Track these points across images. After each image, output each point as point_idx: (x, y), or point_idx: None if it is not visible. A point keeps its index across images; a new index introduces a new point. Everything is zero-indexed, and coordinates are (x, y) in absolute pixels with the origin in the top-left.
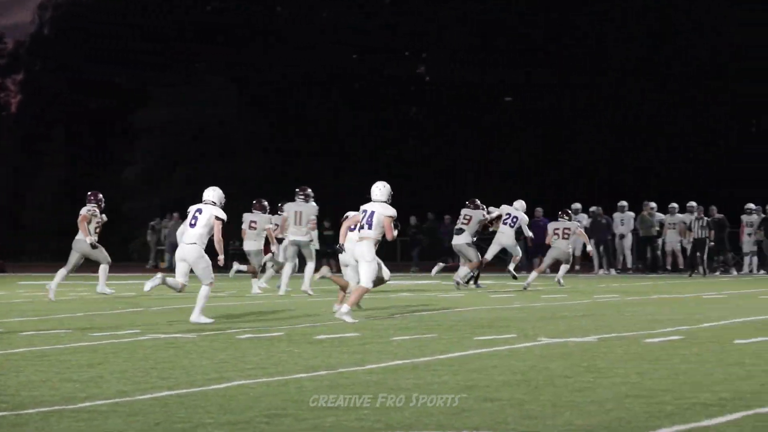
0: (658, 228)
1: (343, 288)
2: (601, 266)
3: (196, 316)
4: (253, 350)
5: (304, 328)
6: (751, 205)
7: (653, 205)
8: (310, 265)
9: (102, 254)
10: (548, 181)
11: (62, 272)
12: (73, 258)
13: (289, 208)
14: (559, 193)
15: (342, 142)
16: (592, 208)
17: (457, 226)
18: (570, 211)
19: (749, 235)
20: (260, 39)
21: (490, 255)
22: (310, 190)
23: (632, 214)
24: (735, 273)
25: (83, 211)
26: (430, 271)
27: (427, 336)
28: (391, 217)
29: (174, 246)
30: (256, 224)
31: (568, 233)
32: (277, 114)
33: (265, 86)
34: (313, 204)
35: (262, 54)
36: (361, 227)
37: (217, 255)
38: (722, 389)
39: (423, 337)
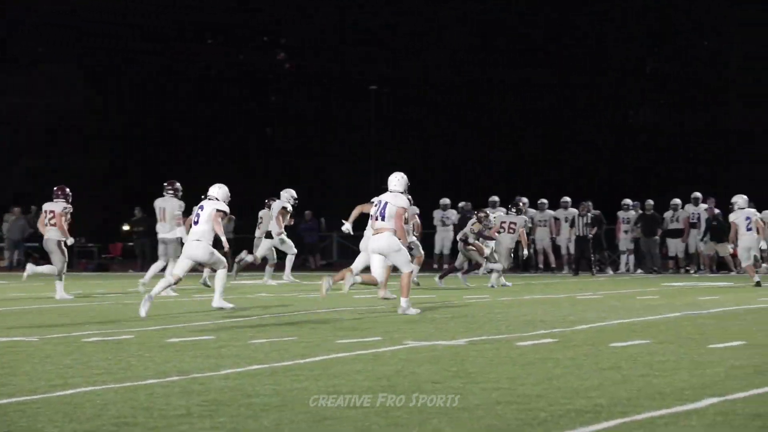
0: (530, 224)
1: (375, 284)
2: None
3: (217, 302)
4: (100, 354)
5: (155, 330)
6: (628, 201)
7: (524, 200)
8: (159, 264)
9: (63, 260)
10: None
11: (54, 272)
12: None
13: (156, 204)
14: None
15: (197, 134)
16: (461, 204)
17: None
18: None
19: (626, 232)
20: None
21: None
22: (178, 185)
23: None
24: (611, 272)
25: (55, 208)
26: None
27: (287, 339)
28: (402, 207)
29: (14, 243)
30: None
31: (514, 228)
32: (128, 105)
33: (116, 76)
34: (178, 200)
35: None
36: (376, 219)
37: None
38: (598, 395)
39: (282, 340)
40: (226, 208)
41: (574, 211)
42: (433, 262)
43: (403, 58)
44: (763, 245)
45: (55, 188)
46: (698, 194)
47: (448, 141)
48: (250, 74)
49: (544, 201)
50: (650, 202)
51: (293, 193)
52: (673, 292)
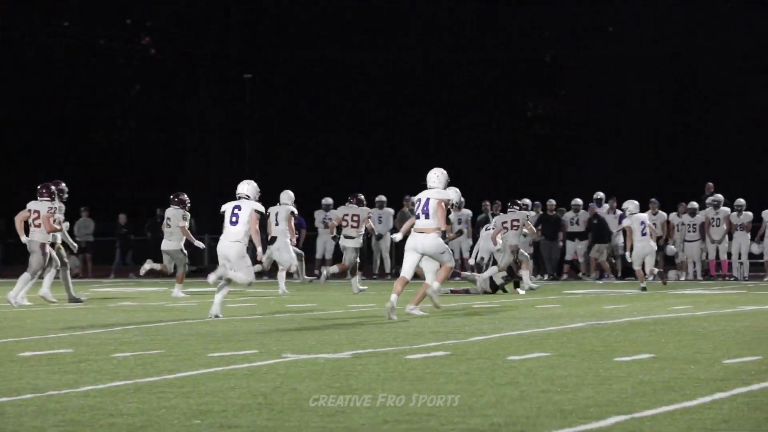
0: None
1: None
2: None
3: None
4: None
5: (6, 343)
6: (527, 201)
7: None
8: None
9: (41, 262)
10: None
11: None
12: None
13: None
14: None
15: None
16: (325, 200)
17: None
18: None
19: (524, 235)
20: None
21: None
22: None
23: (391, 210)
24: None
25: (39, 207)
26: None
27: (153, 352)
28: (444, 200)
29: None
30: (171, 221)
31: (517, 225)
32: None
33: None
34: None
35: None
36: (417, 217)
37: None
38: (494, 413)
39: (148, 353)
40: (263, 209)
41: (467, 212)
42: (314, 267)
43: (276, 44)
44: (672, 250)
45: (39, 186)
46: (601, 194)
47: (323, 137)
48: (109, 60)
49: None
50: (552, 201)
51: (292, 194)
52: (576, 300)
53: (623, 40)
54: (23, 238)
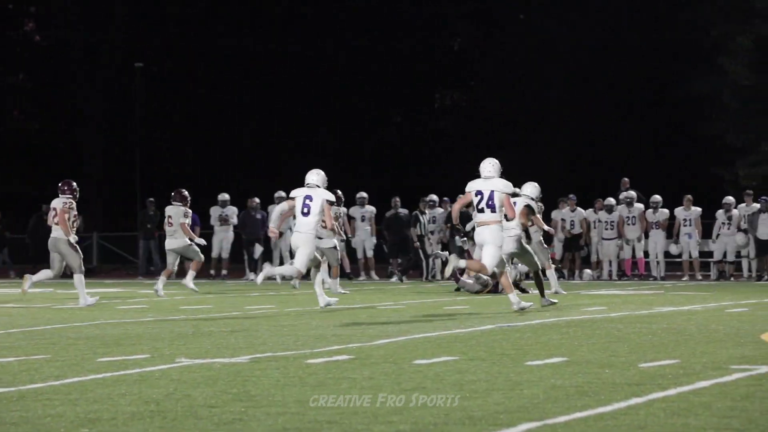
0: None
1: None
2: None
3: (322, 300)
4: None
5: None
6: (434, 197)
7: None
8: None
9: (78, 257)
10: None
11: (47, 273)
12: (57, 261)
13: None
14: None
15: None
16: (221, 196)
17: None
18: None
19: (435, 233)
20: None
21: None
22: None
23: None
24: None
25: (57, 203)
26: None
27: (38, 357)
28: (509, 194)
29: None
30: (173, 219)
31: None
32: None
33: None
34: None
35: None
36: (480, 210)
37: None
38: (400, 420)
39: (33, 358)
40: (333, 198)
41: (371, 209)
42: (209, 266)
43: (169, 32)
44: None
45: (60, 183)
46: (515, 190)
47: (226, 128)
48: None
49: (365, 195)
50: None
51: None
52: (486, 301)
53: (538, 29)
54: (71, 237)
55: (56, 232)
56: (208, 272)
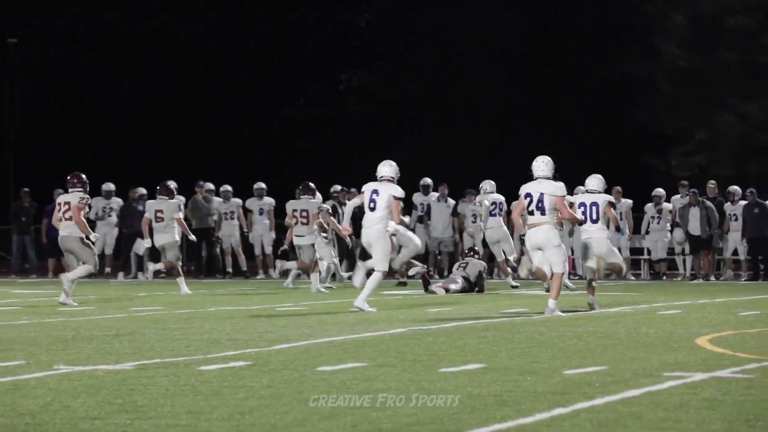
0: (216, 217)
1: (543, 278)
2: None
3: (360, 302)
4: None
5: None
6: (337, 188)
7: (210, 186)
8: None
9: (92, 254)
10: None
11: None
12: (73, 260)
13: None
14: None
15: None
16: (106, 186)
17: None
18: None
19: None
20: None
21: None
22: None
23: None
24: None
25: (69, 198)
26: None
27: None
28: (562, 196)
29: None
30: (164, 213)
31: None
32: None
33: None
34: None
35: None
36: (531, 213)
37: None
38: None
39: None
40: (402, 194)
41: (270, 200)
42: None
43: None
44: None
45: (69, 176)
46: (428, 180)
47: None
48: None
49: (263, 186)
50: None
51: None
52: (396, 302)
53: (454, 4)
54: (92, 236)
55: (67, 230)
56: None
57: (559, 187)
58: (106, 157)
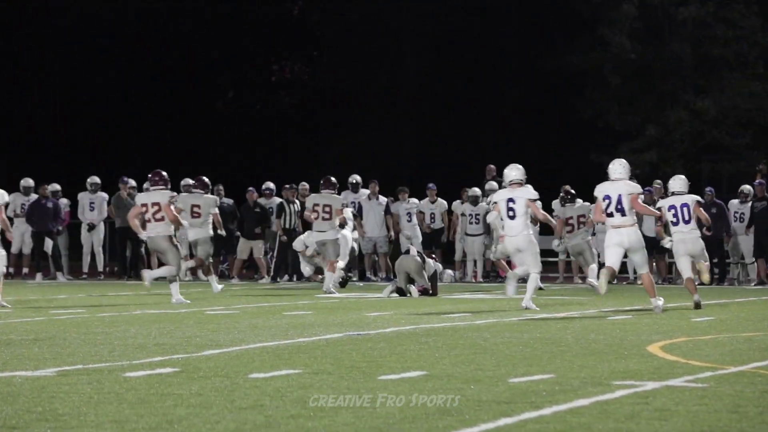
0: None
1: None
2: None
3: (526, 301)
4: None
5: None
6: (271, 185)
7: (132, 183)
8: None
9: (179, 256)
10: None
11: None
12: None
13: (184, 201)
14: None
15: None
16: (24, 182)
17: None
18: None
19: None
20: None
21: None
22: (207, 179)
23: (66, 200)
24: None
25: (160, 198)
26: None
27: None
28: (638, 194)
29: None
30: (201, 209)
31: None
32: None
33: None
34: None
35: None
36: (610, 215)
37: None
38: None
39: None
40: (536, 195)
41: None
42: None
43: None
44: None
45: (150, 174)
46: (357, 177)
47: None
48: None
49: (190, 182)
50: (305, 184)
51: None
52: (332, 306)
53: None
54: (142, 235)
55: (156, 230)
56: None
57: (636, 186)
58: (21, 151)
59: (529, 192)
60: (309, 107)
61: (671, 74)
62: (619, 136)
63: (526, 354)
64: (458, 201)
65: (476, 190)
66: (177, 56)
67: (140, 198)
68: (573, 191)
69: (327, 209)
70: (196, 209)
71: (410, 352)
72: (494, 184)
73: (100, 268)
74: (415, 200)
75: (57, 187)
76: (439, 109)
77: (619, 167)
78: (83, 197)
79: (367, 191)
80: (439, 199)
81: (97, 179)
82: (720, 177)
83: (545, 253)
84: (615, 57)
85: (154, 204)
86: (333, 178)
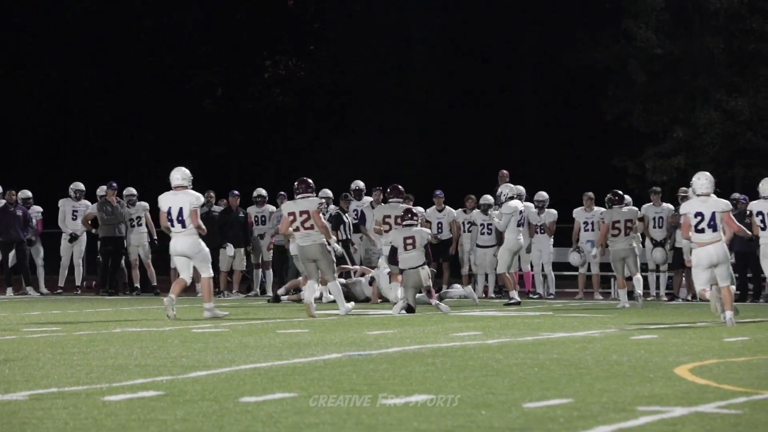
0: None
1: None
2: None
3: (729, 319)
4: None
5: None
6: (262, 191)
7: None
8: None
9: (333, 263)
10: None
11: (313, 284)
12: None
13: (287, 209)
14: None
15: None
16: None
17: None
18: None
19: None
20: None
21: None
22: (312, 182)
23: (39, 208)
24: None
25: (308, 206)
26: None
27: None
28: (729, 211)
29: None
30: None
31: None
32: None
33: None
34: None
35: None
36: (701, 231)
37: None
38: None
39: None
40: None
41: (144, 205)
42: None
43: None
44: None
45: (296, 183)
46: (360, 183)
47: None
48: None
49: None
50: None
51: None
52: (330, 324)
53: None
54: (293, 248)
55: (309, 238)
56: None
57: (726, 202)
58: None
59: (722, 203)
60: (306, 107)
61: (701, 71)
62: (644, 138)
63: (541, 376)
64: (461, 209)
65: (488, 198)
66: (161, 51)
67: (287, 207)
68: (620, 192)
69: (399, 220)
70: (302, 215)
71: (415, 374)
72: (521, 188)
73: (78, 281)
74: (420, 209)
75: (28, 193)
76: (448, 108)
77: (705, 182)
78: (65, 204)
79: (370, 198)
80: (447, 207)
81: (81, 186)
82: (754, 183)
83: (559, 266)
84: (640, 52)
85: (302, 212)
86: (401, 187)
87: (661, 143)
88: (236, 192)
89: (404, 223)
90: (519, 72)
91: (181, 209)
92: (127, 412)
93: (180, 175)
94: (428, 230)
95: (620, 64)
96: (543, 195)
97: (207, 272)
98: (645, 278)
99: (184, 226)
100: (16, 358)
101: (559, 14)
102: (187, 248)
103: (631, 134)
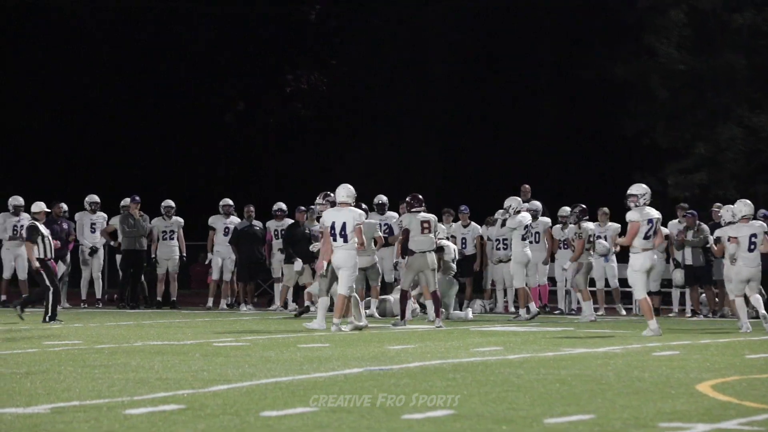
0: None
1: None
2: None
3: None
4: None
5: None
6: (282, 206)
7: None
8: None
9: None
10: None
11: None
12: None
13: (327, 218)
14: None
15: None
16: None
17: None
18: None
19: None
20: None
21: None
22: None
23: (104, 214)
24: (247, 307)
25: (357, 217)
26: None
27: None
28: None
29: None
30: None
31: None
32: None
33: None
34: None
35: None
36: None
37: None
38: None
39: None
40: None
41: (179, 220)
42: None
43: None
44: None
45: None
46: (384, 198)
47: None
48: None
49: (172, 205)
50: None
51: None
52: (351, 338)
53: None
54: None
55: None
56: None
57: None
58: (20, 170)
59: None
60: (327, 120)
61: (724, 87)
62: (665, 154)
63: (563, 392)
64: (483, 225)
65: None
66: (181, 65)
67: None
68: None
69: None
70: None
71: (437, 389)
72: (536, 204)
73: (99, 295)
74: (440, 225)
75: (64, 207)
76: (467, 122)
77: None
78: (82, 217)
79: (395, 214)
80: (472, 223)
81: (96, 198)
82: None
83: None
84: (662, 67)
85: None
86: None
87: (682, 159)
88: (302, 207)
89: (412, 209)
90: (537, 86)
91: (344, 224)
92: (148, 426)
93: (345, 192)
94: (453, 245)
95: (641, 79)
96: (566, 210)
97: (345, 290)
98: (668, 294)
99: (345, 241)
100: (38, 371)
101: (578, 29)
102: (342, 261)
103: (651, 150)
